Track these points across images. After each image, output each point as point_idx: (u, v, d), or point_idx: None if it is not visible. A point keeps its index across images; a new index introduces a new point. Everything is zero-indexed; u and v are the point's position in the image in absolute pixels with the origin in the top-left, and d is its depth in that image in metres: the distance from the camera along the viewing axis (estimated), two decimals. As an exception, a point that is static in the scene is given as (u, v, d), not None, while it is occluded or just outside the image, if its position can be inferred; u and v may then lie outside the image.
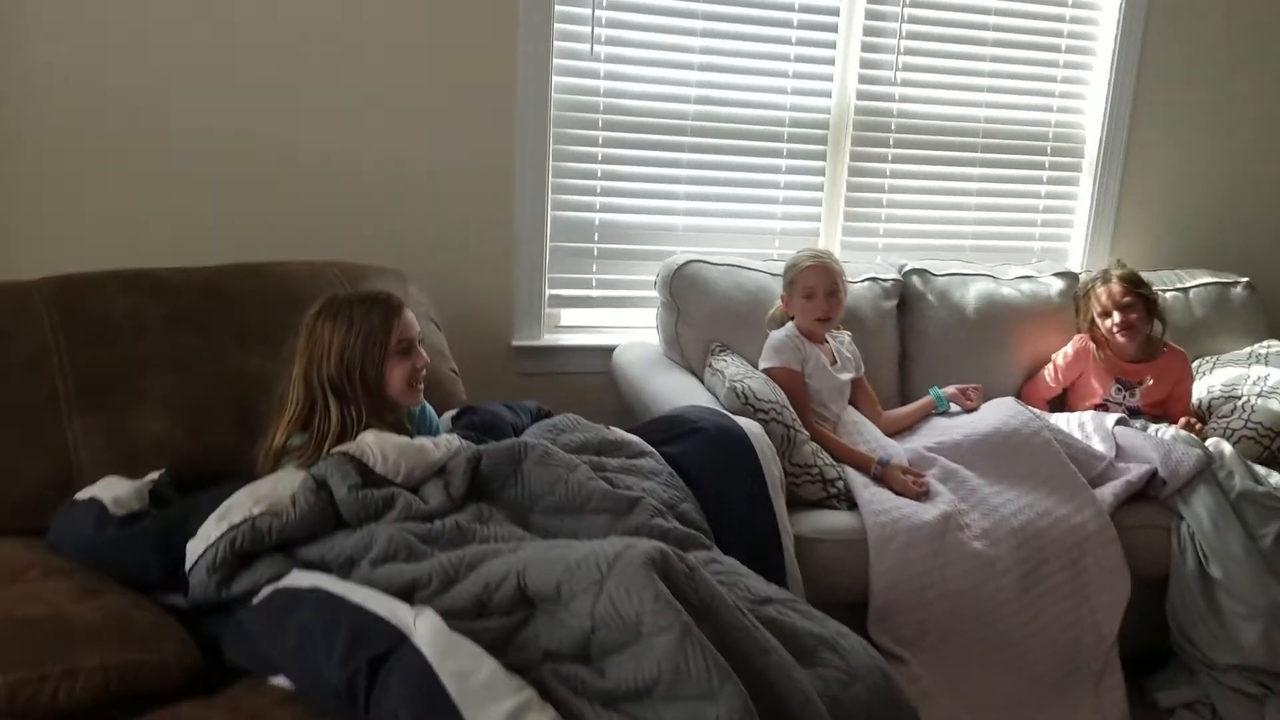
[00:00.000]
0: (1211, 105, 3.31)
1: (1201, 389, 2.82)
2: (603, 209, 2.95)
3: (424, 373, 1.93)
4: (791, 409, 2.33)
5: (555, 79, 2.81)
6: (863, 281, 2.82)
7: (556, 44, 2.78)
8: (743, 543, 1.94)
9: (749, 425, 2.12)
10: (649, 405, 2.50)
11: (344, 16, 2.60)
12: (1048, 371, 2.82)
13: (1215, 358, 2.94)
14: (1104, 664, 2.26)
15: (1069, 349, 2.80)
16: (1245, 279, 3.10)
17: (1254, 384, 2.74)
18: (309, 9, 2.57)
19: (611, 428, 2.10)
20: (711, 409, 2.19)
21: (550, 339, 3.00)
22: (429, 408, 2.03)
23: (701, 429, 2.07)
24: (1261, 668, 2.24)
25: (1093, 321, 2.78)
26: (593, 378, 3.01)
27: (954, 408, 2.66)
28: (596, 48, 2.82)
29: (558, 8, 2.76)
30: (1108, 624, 2.26)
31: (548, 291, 2.96)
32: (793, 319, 2.59)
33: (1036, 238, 3.31)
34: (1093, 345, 2.77)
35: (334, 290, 2.15)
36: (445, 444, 1.82)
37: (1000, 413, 2.50)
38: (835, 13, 2.96)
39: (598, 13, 2.80)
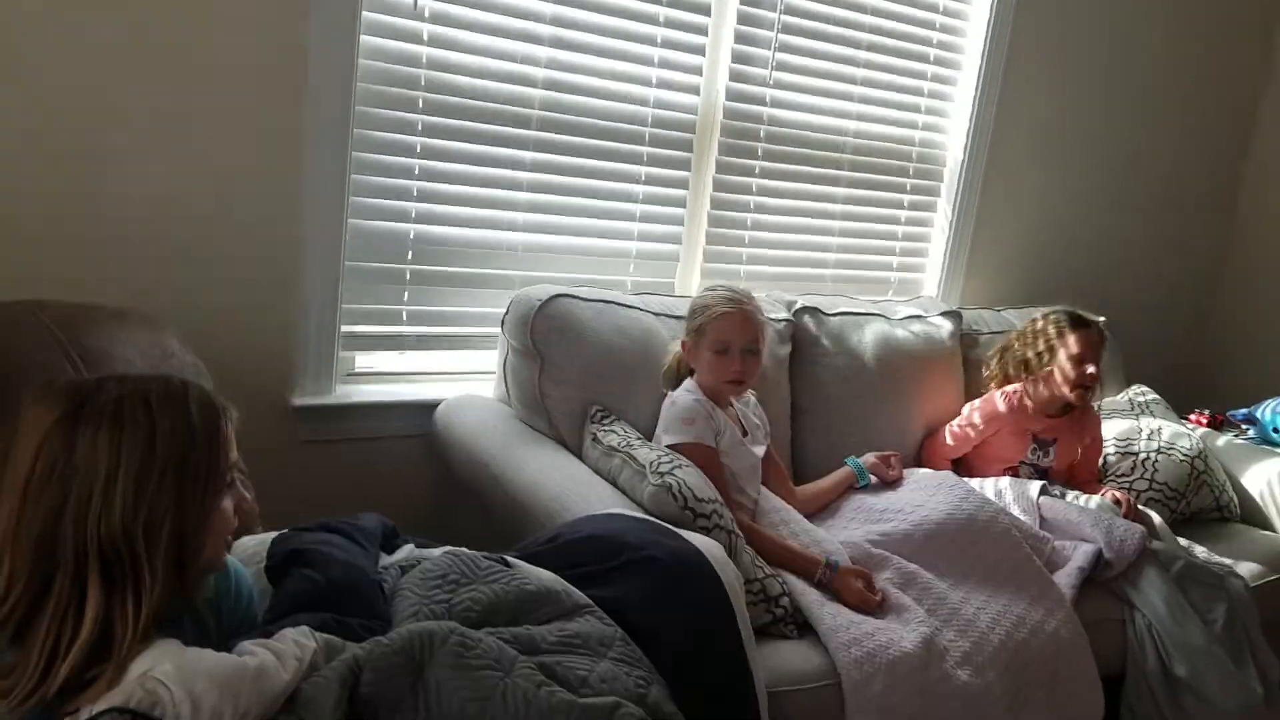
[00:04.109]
0: (1071, 133, 3.15)
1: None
2: (420, 218, 2.20)
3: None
4: (725, 505, 1.76)
5: (364, 39, 2.02)
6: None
7: (364, -10, 2.01)
8: (717, 723, 1.37)
9: (708, 547, 1.51)
10: (520, 500, 1.81)
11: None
12: (957, 427, 2.46)
13: (1097, 407, 2.74)
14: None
15: (995, 400, 2.45)
16: (1102, 318, 2.95)
17: (1149, 438, 2.55)
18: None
19: (514, 560, 1.41)
20: (652, 524, 1.55)
21: (344, 393, 2.20)
22: (235, 564, 1.23)
23: (649, 560, 1.43)
24: (1234, 777, 2.00)
25: (1024, 366, 2.44)
26: (404, 444, 2.25)
27: (873, 480, 2.21)
28: (421, 2, 2.07)
29: (366, -60, 1.99)
30: (1083, 748, 1.91)
31: (341, 329, 2.16)
32: (692, 374, 2.01)
33: (895, 267, 2.98)
34: (1024, 397, 2.44)
35: (53, 360, 1.29)
36: (292, 650, 1.05)
37: (947, 495, 2.07)
38: (709, -10, 2.42)
39: (421, -47, 2.05)
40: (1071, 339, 2.38)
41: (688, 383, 2.00)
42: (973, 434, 2.43)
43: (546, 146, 2.29)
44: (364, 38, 2.02)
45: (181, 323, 1.73)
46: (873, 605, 1.79)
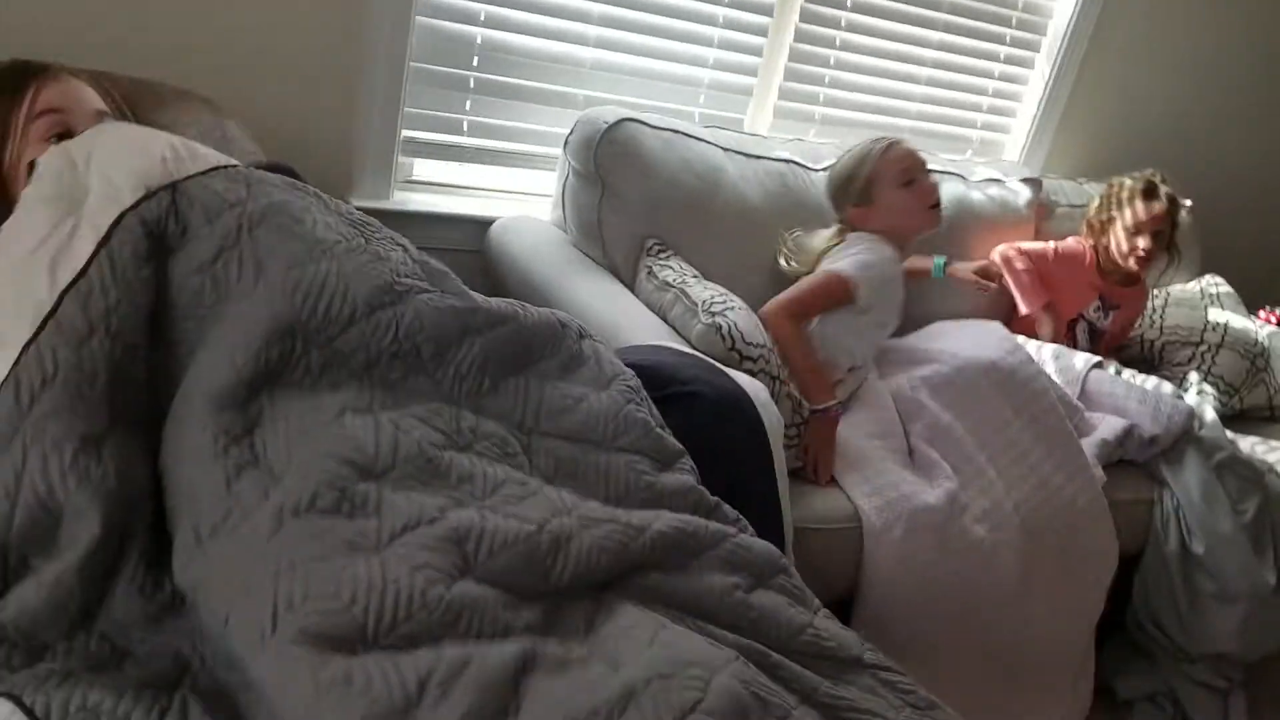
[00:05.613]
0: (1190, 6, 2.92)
1: (1153, 329, 2.54)
2: (489, 22, 2.12)
3: None
4: (775, 352, 1.75)
5: None
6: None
7: None
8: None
9: (753, 389, 1.51)
10: (569, 322, 1.81)
11: None
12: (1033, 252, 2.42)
13: (1165, 292, 2.66)
14: (1083, 656, 1.97)
15: (1077, 241, 2.45)
16: (1189, 202, 2.82)
17: (1213, 330, 2.48)
18: None
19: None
20: (698, 361, 1.55)
21: (401, 199, 2.19)
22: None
23: (693, 394, 1.44)
24: (1232, 657, 2.04)
25: (1091, 229, 2.43)
26: (455, 258, 2.23)
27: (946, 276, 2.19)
28: None
29: None
30: (1092, 613, 1.95)
31: (403, 133, 2.13)
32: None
33: (979, 125, 2.84)
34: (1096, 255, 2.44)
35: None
36: None
37: (994, 346, 2.01)
38: None
39: None
40: (1130, 210, 2.33)
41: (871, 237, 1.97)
42: (1032, 262, 2.39)
43: (627, -44, 2.17)
44: None
45: (240, 111, 1.71)
46: (818, 475, 1.75)
